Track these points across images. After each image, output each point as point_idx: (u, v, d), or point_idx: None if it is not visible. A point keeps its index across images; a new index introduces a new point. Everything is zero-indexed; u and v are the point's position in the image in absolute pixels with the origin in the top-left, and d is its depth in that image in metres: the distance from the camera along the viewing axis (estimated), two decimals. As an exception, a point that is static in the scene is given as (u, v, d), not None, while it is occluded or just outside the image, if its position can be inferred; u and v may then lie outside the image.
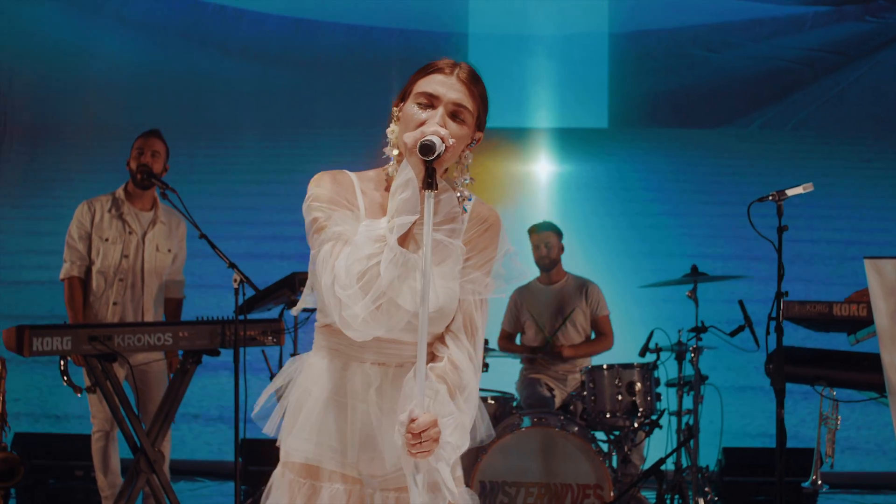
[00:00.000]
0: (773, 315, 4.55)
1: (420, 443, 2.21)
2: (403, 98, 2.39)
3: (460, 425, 2.29)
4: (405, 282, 2.23)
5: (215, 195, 7.59)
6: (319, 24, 8.02)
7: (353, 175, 2.44)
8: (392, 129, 2.39)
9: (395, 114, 2.40)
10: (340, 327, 2.26)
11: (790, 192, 4.51)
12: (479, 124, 2.41)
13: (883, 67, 7.88)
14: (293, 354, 5.74)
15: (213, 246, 5.24)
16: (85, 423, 7.02)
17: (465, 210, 2.39)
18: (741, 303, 5.74)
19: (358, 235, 2.27)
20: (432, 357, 2.37)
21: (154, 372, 5.57)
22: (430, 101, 2.32)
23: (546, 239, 6.32)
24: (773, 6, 7.85)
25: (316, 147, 8.03)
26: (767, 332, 4.53)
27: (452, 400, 2.29)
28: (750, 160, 7.87)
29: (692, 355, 5.76)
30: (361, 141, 7.68)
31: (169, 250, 5.69)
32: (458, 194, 2.38)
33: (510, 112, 7.60)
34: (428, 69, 2.38)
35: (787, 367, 4.57)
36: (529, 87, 7.79)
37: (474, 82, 2.37)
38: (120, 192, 5.63)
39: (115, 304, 5.55)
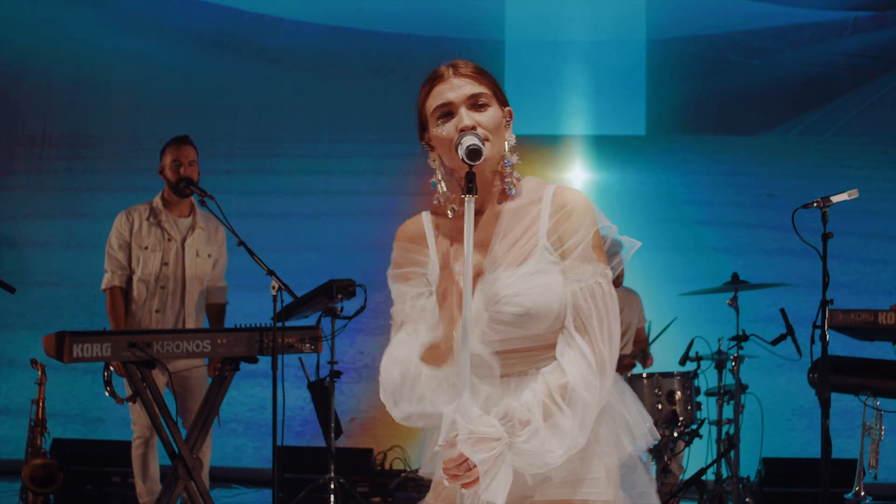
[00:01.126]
0: (818, 323, 4.48)
1: (454, 475, 2.13)
2: (424, 127, 2.37)
3: (542, 429, 2.14)
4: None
5: (252, 203, 7.60)
6: (356, 32, 8.02)
7: (426, 216, 2.42)
8: (433, 159, 2.36)
9: (426, 145, 2.37)
10: None
11: (835, 199, 4.47)
12: (502, 101, 2.36)
13: None
14: (330, 362, 5.79)
15: (251, 253, 5.26)
16: (123, 429, 7.06)
17: (510, 191, 2.34)
18: (783, 311, 5.69)
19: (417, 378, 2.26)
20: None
21: (195, 379, 5.59)
22: (448, 110, 2.29)
23: None
24: (813, 11, 7.76)
25: (353, 155, 8.03)
26: (812, 341, 4.47)
27: (544, 401, 2.15)
28: (790, 167, 7.77)
29: (733, 364, 5.70)
30: (399, 149, 7.70)
31: (209, 255, 5.72)
32: (509, 179, 2.35)
33: (546, 119, 7.55)
34: (428, 85, 2.35)
35: (831, 377, 4.52)
36: (566, 95, 7.74)
37: (474, 70, 2.33)
38: (157, 201, 5.68)
39: (157, 311, 5.58)
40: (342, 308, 5.73)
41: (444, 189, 2.36)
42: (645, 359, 6.36)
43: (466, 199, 2.16)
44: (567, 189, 2.34)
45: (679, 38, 7.78)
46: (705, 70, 7.86)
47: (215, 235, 5.74)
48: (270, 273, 5.16)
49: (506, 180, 2.35)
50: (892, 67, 7.84)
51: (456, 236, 2.32)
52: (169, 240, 5.61)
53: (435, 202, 2.40)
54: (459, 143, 2.21)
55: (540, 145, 7.47)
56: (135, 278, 5.58)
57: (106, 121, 8.19)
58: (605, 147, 7.88)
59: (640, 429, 2.29)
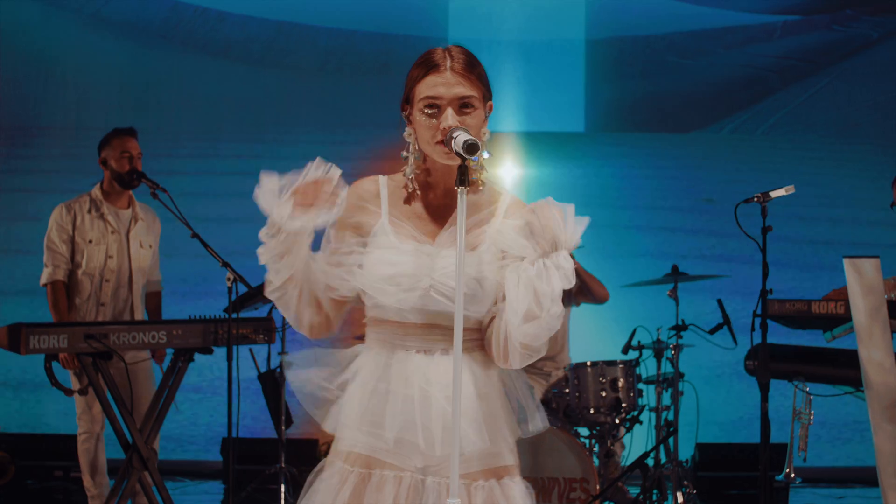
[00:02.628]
0: (759, 312, 4.69)
1: None
2: (409, 101, 2.47)
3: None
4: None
5: (196, 197, 7.59)
6: (302, 28, 8.06)
7: (383, 180, 2.51)
8: (409, 133, 2.47)
9: (405, 117, 2.49)
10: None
11: (774, 194, 4.67)
12: (487, 95, 2.48)
13: (849, 75, 8.11)
14: (281, 353, 5.85)
15: (205, 245, 5.30)
16: (63, 422, 7.01)
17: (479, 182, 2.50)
18: (720, 301, 5.91)
19: None
20: (480, 343, 2.46)
21: (141, 371, 5.59)
22: (436, 103, 2.40)
23: None
24: (744, 14, 8.04)
25: (297, 150, 8.06)
26: (752, 329, 4.67)
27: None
28: (722, 164, 8.06)
29: (672, 353, 5.91)
30: (343, 144, 7.77)
31: (150, 246, 5.73)
32: (476, 173, 2.49)
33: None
34: (422, 70, 2.44)
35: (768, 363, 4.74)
36: (506, 92, 7.90)
37: (469, 68, 2.41)
38: (97, 192, 5.62)
39: (102, 305, 5.56)
40: (294, 299, 5.77)
41: (413, 166, 2.47)
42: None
43: (459, 190, 2.26)
44: (521, 203, 2.49)
45: (618, 38, 8.01)
46: (643, 70, 8.09)
47: (153, 226, 5.75)
48: (225, 265, 5.21)
49: (473, 174, 2.46)
50: (819, 69, 8.16)
51: (412, 215, 2.45)
52: (112, 232, 5.58)
53: (404, 175, 2.51)
54: (453, 137, 2.32)
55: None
56: (79, 272, 5.52)
57: (46, 113, 8.10)
58: (543, 143, 8.07)
59: (532, 414, 2.50)
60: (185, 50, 8.16)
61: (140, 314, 5.65)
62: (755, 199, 4.67)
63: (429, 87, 2.41)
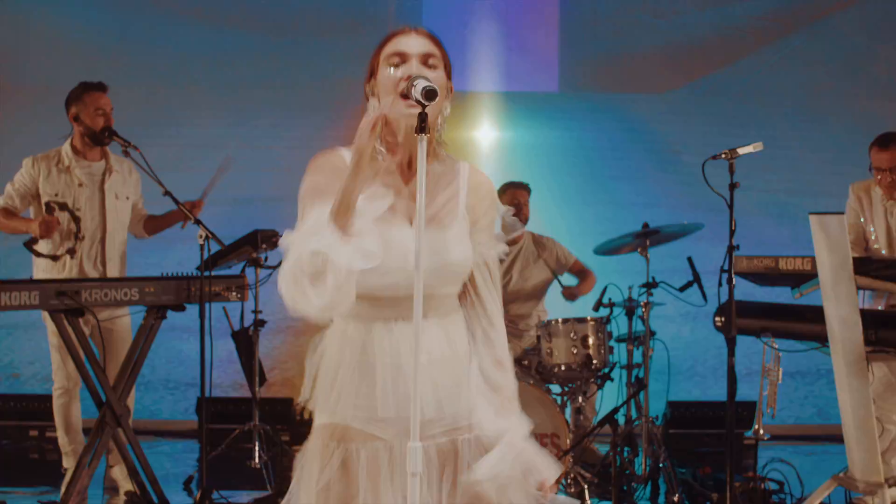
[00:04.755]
0: (725, 268, 4.74)
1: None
2: (372, 74, 2.50)
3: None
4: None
5: (167, 158, 7.55)
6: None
7: (346, 153, 2.47)
8: (372, 106, 2.48)
9: (369, 91, 2.50)
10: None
11: (741, 151, 4.71)
12: (448, 73, 2.53)
13: (822, 35, 8.11)
14: (254, 311, 5.86)
15: (177, 202, 5.30)
16: (38, 382, 7.01)
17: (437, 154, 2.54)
18: (689, 259, 5.93)
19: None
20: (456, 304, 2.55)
21: (118, 329, 5.59)
22: (401, 58, 2.44)
23: (519, 197, 6.45)
24: None
25: (267, 110, 8.04)
26: (720, 284, 4.72)
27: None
28: (696, 124, 8.07)
29: (643, 310, 5.94)
30: (313, 102, 7.72)
31: (127, 198, 5.70)
32: (437, 144, 2.53)
33: (458, 76, 7.66)
34: (387, 38, 2.51)
35: (735, 320, 4.78)
36: (480, 51, 7.87)
37: (434, 35, 2.50)
38: (67, 148, 5.60)
39: (71, 257, 5.53)
40: (266, 258, 5.78)
41: (377, 136, 2.42)
42: (585, 279, 6.58)
43: (419, 138, 2.26)
44: (478, 171, 2.60)
45: (592, -5, 7.98)
46: (616, 29, 8.07)
47: (129, 177, 5.73)
48: (197, 222, 5.22)
49: (434, 145, 2.51)
50: (793, 30, 8.16)
51: (379, 180, 2.44)
52: (80, 185, 5.57)
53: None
54: (413, 84, 2.32)
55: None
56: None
57: (10, 72, 8.00)
58: (517, 103, 8.05)
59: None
60: (159, 8, 8.05)
61: (116, 269, 5.63)
62: (723, 156, 4.70)
63: (394, 44, 2.47)
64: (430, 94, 2.28)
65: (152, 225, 5.88)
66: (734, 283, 4.71)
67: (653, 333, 6.01)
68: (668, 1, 8.03)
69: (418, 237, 2.25)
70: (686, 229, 6.01)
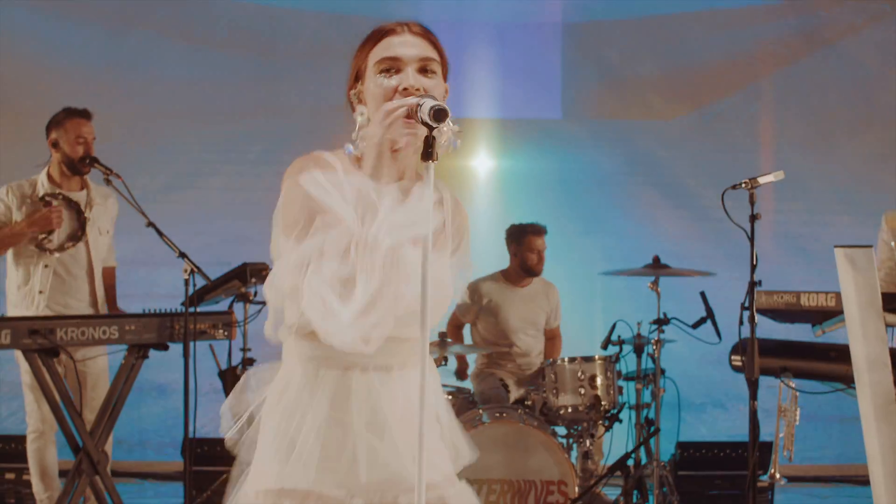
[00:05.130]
0: (746, 305, 4.47)
1: None
2: (358, 78, 2.22)
3: None
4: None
5: (151, 187, 7.28)
6: (267, 9, 7.75)
7: (331, 156, 2.18)
8: (361, 112, 2.19)
9: (354, 97, 2.22)
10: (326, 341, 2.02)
11: (762, 180, 4.49)
12: (445, 75, 2.26)
13: (834, 61, 7.92)
14: (242, 349, 5.57)
15: (161, 234, 5.03)
16: (15, 421, 6.67)
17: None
18: (703, 294, 5.68)
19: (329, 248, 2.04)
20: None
21: (95, 370, 5.29)
22: (395, 66, 2.15)
23: (538, 244, 6.15)
24: None
25: (261, 135, 7.77)
26: (741, 322, 4.45)
27: None
28: (705, 152, 7.83)
29: (654, 348, 5.66)
30: (305, 128, 7.46)
31: (108, 231, 5.44)
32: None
33: (456, 101, 7.41)
34: (376, 37, 2.21)
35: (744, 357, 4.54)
36: (479, 76, 7.63)
37: (428, 33, 2.22)
38: (42, 178, 5.31)
39: (40, 292, 5.24)
40: (255, 293, 5.51)
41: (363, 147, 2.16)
42: (552, 347, 6.34)
43: (427, 165, 1.99)
44: (458, 200, 2.30)
45: (595, 21, 7.76)
46: (622, 54, 7.86)
47: (111, 209, 5.47)
48: (182, 255, 4.94)
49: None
50: (804, 55, 7.98)
51: (366, 199, 2.12)
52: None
53: (354, 138, 2.20)
54: (419, 104, 2.04)
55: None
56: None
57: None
58: (519, 131, 7.81)
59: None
60: (146, 32, 7.79)
61: (103, 308, 5.36)
62: (743, 186, 4.47)
63: (385, 48, 2.18)
64: (439, 114, 1.99)
65: (110, 285, 5.53)
66: (756, 321, 4.41)
67: (662, 371, 5.72)
68: (674, 25, 7.82)
69: (425, 274, 1.95)
70: (698, 273, 5.77)
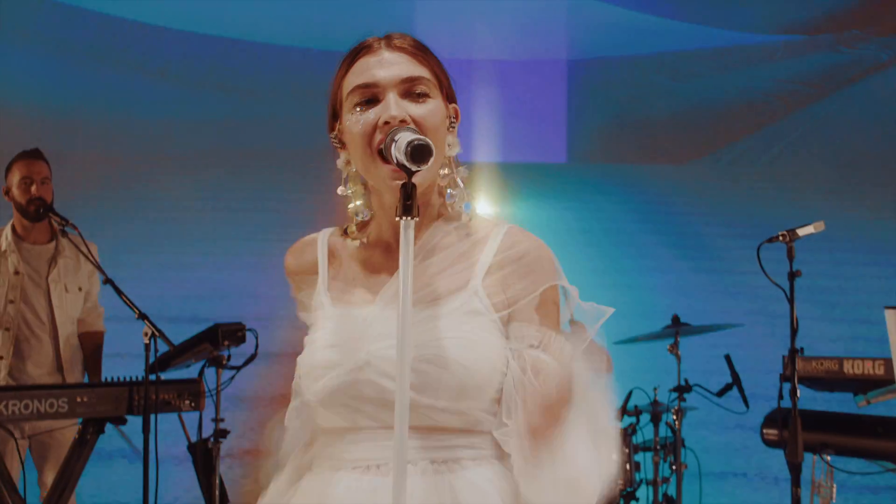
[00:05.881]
0: (786, 374, 3.99)
1: None
2: (335, 116, 1.77)
3: None
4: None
5: (128, 232, 6.77)
6: (248, 45, 7.33)
7: (323, 235, 1.86)
8: (343, 160, 1.75)
9: (335, 141, 1.77)
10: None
11: (801, 232, 4.12)
12: (449, 94, 1.78)
13: (858, 100, 7.52)
14: (215, 419, 5.01)
15: (119, 293, 4.48)
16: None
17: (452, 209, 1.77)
18: (728, 357, 5.17)
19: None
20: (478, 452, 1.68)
21: (55, 445, 4.74)
22: (372, 94, 1.69)
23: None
24: (742, 34, 7.52)
25: (243, 180, 7.28)
26: (780, 397, 3.94)
27: None
28: (721, 198, 7.37)
29: (674, 417, 5.10)
30: (293, 173, 7.01)
31: (80, 288, 4.88)
32: (454, 196, 1.76)
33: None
34: (349, 59, 1.75)
35: (783, 431, 4.22)
36: (478, 118, 7.18)
37: (413, 45, 1.77)
38: (7, 230, 4.79)
39: (0, 358, 4.69)
40: (229, 357, 4.96)
41: (359, 203, 1.77)
42: None
43: (403, 222, 1.52)
44: (523, 233, 1.77)
45: (602, 58, 7.37)
46: (631, 94, 7.50)
47: (85, 264, 4.89)
48: (142, 317, 4.40)
49: (448, 197, 1.75)
50: (825, 93, 7.65)
51: (369, 266, 1.78)
52: (16, 273, 4.74)
53: (352, 221, 1.80)
54: (394, 139, 1.57)
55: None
56: None
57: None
58: (521, 176, 7.35)
59: None
60: (118, 69, 7.32)
61: (71, 374, 4.83)
62: (780, 238, 4.02)
63: (358, 73, 1.71)
64: (417, 152, 1.52)
65: (88, 348, 4.99)
66: (798, 394, 3.87)
67: (683, 443, 5.17)
68: (687, 62, 7.47)
69: (402, 333, 1.50)
70: (722, 327, 5.26)
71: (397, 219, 1.51)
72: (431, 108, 1.69)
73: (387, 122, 1.63)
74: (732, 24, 7.52)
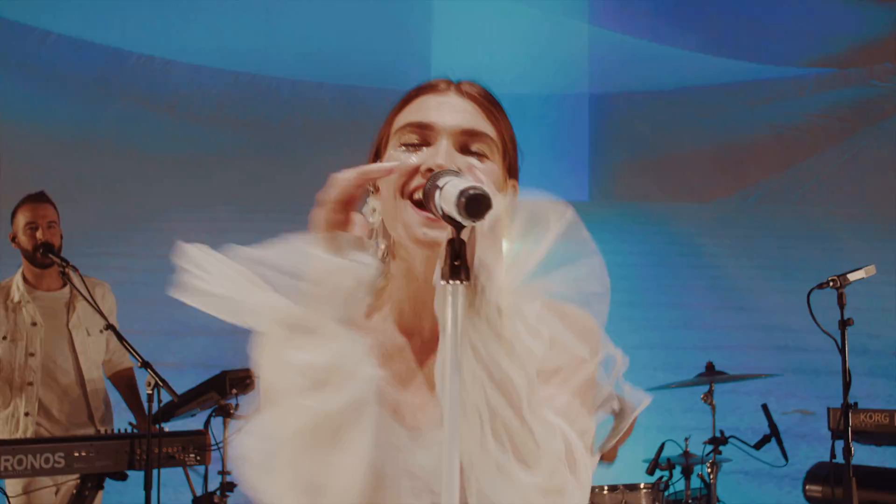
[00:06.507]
0: (839, 428, 3.73)
1: None
2: (377, 155, 1.50)
3: None
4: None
5: (130, 275, 6.53)
6: (260, 79, 7.10)
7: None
8: (372, 208, 1.47)
9: (368, 186, 1.47)
10: None
11: (852, 277, 3.87)
12: (511, 167, 1.51)
13: (891, 135, 7.29)
14: (222, 472, 4.76)
15: (121, 339, 4.27)
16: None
17: None
18: (765, 407, 4.89)
19: None
20: None
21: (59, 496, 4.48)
22: (423, 136, 1.45)
23: None
24: (771, 67, 7.33)
25: (254, 220, 7.05)
26: (832, 455, 3.66)
27: None
28: (750, 237, 7.11)
29: (708, 471, 4.80)
30: (307, 212, 6.76)
31: (101, 331, 4.62)
32: None
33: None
34: (409, 97, 1.50)
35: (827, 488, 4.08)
36: (498, 154, 6.98)
37: (487, 98, 1.51)
38: (18, 279, 4.55)
39: (26, 415, 4.43)
40: (237, 406, 4.71)
41: (383, 262, 1.48)
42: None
43: (448, 287, 1.24)
44: (566, 309, 1.46)
45: (626, 93, 7.18)
46: (656, 129, 7.28)
47: (102, 302, 4.64)
48: (145, 365, 4.16)
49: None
50: (857, 128, 7.44)
51: (395, 355, 1.48)
52: (33, 324, 4.49)
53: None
54: (437, 185, 1.29)
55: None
56: None
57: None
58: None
59: None
60: (127, 103, 7.13)
61: (103, 420, 4.58)
62: (830, 284, 3.76)
63: (416, 111, 1.47)
64: (474, 203, 1.23)
65: (124, 389, 4.77)
66: (853, 451, 3.59)
67: (717, 499, 4.87)
68: (714, 97, 7.27)
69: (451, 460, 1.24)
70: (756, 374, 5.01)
71: (442, 283, 1.24)
72: (487, 171, 1.42)
73: (430, 170, 1.37)
74: (761, 58, 7.35)
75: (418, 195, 1.37)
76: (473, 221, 1.24)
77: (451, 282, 1.24)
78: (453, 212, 1.24)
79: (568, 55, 7.11)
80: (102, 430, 4.49)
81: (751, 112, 7.36)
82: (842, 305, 3.75)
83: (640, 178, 7.27)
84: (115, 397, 4.93)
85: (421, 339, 1.46)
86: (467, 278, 1.25)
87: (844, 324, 3.72)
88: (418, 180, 1.38)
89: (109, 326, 4.25)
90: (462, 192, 1.22)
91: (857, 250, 7.11)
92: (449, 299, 1.24)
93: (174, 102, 7.17)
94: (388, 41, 6.88)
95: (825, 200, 7.33)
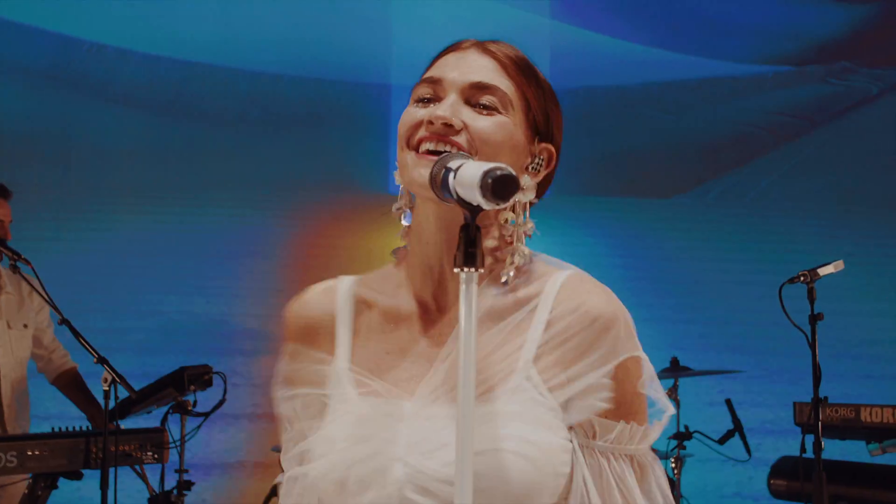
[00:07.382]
0: (807, 422, 3.76)
1: None
2: None
3: None
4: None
5: (85, 269, 6.37)
6: (217, 70, 6.97)
7: (345, 284, 1.50)
8: (398, 180, 1.46)
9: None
10: None
11: (822, 272, 3.84)
12: (541, 128, 1.50)
13: (848, 133, 7.36)
14: (179, 469, 4.69)
15: (76, 334, 4.17)
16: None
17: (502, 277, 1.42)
18: (728, 402, 4.91)
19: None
20: None
21: (8, 497, 4.33)
22: (434, 92, 1.42)
23: None
24: (731, 64, 7.34)
25: (209, 214, 6.91)
26: (803, 450, 3.68)
27: None
28: (709, 233, 7.13)
29: (673, 465, 4.80)
30: (265, 209, 6.66)
31: (25, 326, 4.48)
32: (511, 249, 1.44)
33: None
34: (440, 55, 1.47)
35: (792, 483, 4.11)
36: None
37: (509, 57, 1.47)
38: None
39: None
40: (195, 402, 4.63)
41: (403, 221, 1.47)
42: None
43: (463, 274, 1.19)
44: (584, 283, 1.45)
45: (586, 88, 7.11)
46: (614, 125, 7.25)
47: (30, 299, 4.52)
48: (101, 361, 4.07)
49: (503, 250, 1.44)
50: (815, 128, 7.47)
51: (396, 334, 1.44)
52: None
53: (393, 255, 1.49)
54: (446, 166, 1.25)
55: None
56: None
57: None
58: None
59: None
60: (78, 94, 6.94)
61: (13, 417, 4.43)
62: (801, 279, 3.76)
63: (435, 67, 1.45)
64: (501, 184, 1.18)
65: (71, 391, 4.65)
66: (822, 446, 3.60)
67: (681, 496, 4.88)
68: (673, 93, 7.26)
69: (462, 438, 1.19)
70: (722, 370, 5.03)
71: (456, 270, 1.19)
72: (495, 123, 1.39)
73: (430, 122, 1.35)
74: (720, 55, 7.35)
75: (424, 147, 1.35)
76: (497, 204, 1.18)
77: (465, 269, 1.18)
78: (474, 194, 1.18)
79: (529, 49, 7.04)
80: (10, 432, 4.37)
81: (710, 109, 7.39)
82: (812, 300, 3.76)
83: (599, 174, 7.25)
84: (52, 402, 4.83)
85: (425, 308, 1.42)
86: (482, 265, 1.20)
87: (815, 318, 3.73)
88: (422, 132, 1.36)
89: (65, 321, 4.14)
90: (487, 173, 1.17)
91: (813, 246, 7.20)
92: (463, 287, 1.19)
93: (127, 92, 7.01)
94: (347, 32, 6.78)
95: (783, 197, 7.39)
